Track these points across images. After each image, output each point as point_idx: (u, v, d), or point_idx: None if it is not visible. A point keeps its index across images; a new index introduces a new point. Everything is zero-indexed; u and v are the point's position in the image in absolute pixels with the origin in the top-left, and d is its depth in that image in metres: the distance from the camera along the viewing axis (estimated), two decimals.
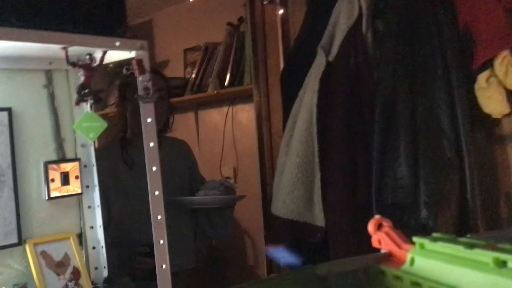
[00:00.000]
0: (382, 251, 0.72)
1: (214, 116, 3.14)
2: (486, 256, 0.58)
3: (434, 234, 0.67)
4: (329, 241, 1.78)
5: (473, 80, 1.60)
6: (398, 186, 1.62)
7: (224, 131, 3.02)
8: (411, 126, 1.62)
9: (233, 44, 2.75)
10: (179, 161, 2.19)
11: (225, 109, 3.05)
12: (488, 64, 1.55)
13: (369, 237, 1.82)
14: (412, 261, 0.68)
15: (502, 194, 1.63)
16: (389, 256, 0.72)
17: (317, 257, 1.95)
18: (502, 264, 0.56)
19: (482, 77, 1.55)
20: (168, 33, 3.31)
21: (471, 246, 0.61)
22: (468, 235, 0.77)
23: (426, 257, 0.66)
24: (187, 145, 2.32)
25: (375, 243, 0.73)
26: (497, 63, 1.52)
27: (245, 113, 2.96)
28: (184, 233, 2.13)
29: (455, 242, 0.65)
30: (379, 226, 0.74)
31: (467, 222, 1.56)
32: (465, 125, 1.57)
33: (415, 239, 0.67)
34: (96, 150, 2.08)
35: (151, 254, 1.38)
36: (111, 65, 3.18)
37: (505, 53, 1.51)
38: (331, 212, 1.77)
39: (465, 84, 1.59)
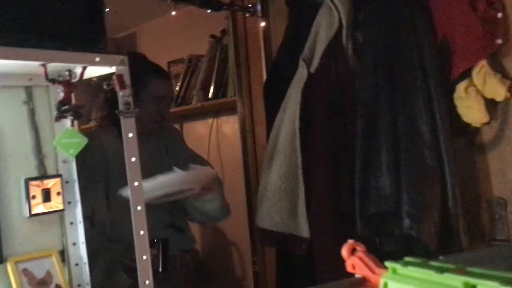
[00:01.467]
0: (357, 275, 0.73)
1: (199, 128, 3.14)
2: (456, 280, 0.59)
3: (406, 258, 0.69)
4: (313, 252, 1.78)
5: (452, 90, 1.62)
6: (381, 196, 1.63)
7: (209, 143, 3.02)
8: (392, 136, 1.63)
9: (216, 56, 2.76)
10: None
11: (209, 121, 3.05)
12: (466, 74, 1.58)
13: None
14: (385, 286, 0.69)
15: (483, 202, 1.65)
16: (363, 281, 0.73)
17: (303, 268, 1.95)
18: None
19: (460, 87, 1.58)
20: (152, 46, 3.31)
21: (441, 270, 0.63)
22: (441, 257, 0.79)
23: (399, 281, 0.67)
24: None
25: (349, 268, 0.74)
26: (475, 72, 1.54)
27: (230, 125, 2.96)
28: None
29: (426, 266, 0.66)
30: (352, 251, 0.74)
31: (449, 230, 1.58)
32: (445, 134, 1.59)
33: (387, 263, 0.69)
34: (92, 133, 2.03)
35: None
36: (94, 79, 3.18)
37: (483, 62, 1.53)
38: (315, 223, 1.78)
39: (445, 94, 1.62)
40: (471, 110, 1.57)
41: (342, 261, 1.87)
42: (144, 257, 1.19)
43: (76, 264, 1.44)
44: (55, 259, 1.39)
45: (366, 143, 1.68)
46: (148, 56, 2.05)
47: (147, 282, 1.18)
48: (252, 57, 2.40)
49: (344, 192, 1.75)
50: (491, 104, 1.59)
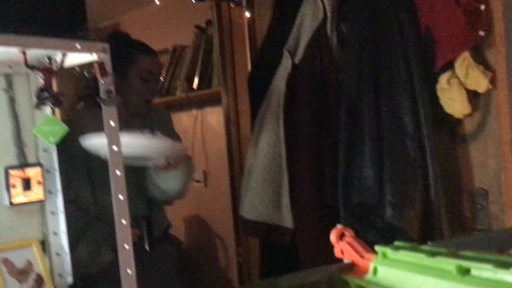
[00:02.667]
0: (345, 261, 0.72)
1: (184, 120, 3.13)
2: (449, 264, 0.57)
3: (396, 243, 0.67)
4: (297, 242, 1.79)
5: (435, 81, 1.63)
6: (364, 187, 1.64)
7: (194, 135, 3.01)
8: (375, 127, 1.64)
9: (201, 47, 2.74)
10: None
11: (194, 112, 3.04)
12: (449, 65, 1.58)
13: None
14: (375, 271, 0.67)
15: (464, 193, 1.67)
16: (352, 266, 0.71)
17: (287, 259, 1.95)
18: (466, 272, 0.56)
19: (443, 78, 1.59)
20: (136, 36, 3.27)
21: (433, 254, 0.61)
22: (429, 243, 0.77)
23: (389, 266, 0.65)
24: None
25: (337, 253, 0.73)
26: (457, 64, 1.55)
27: (214, 116, 2.95)
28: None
29: (417, 250, 0.64)
30: (341, 236, 0.73)
31: (431, 220, 1.59)
32: (428, 126, 1.60)
33: (377, 248, 0.67)
34: (79, 114, 1.97)
35: (132, 226, 1.37)
36: (77, 68, 3.14)
37: (465, 54, 1.54)
38: (299, 213, 1.78)
39: (428, 85, 1.62)
40: (453, 102, 1.58)
41: (325, 251, 1.87)
42: (123, 222, 1.18)
43: (57, 254, 1.42)
44: (35, 249, 1.38)
45: (350, 134, 1.68)
46: None
47: (126, 246, 1.17)
48: (237, 48, 2.39)
49: (328, 182, 1.75)
50: (473, 96, 1.60)
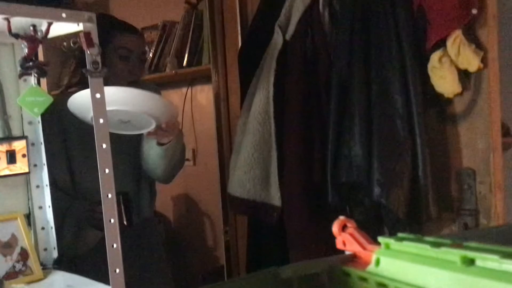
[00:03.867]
0: (347, 252, 0.71)
1: (173, 97, 3.10)
2: (454, 254, 0.56)
3: (400, 234, 0.66)
4: (284, 220, 1.79)
5: (426, 60, 1.62)
6: (353, 165, 1.64)
7: (183, 113, 2.99)
8: (365, 106, 1.63)
9: (191, 23, 2.70)
10: None
11: (184, 90, 3.01)
12: (441, 43, 1.57)
13: (324, 217, 1.83)
14: (377, 262, 0.66)
15: (453, 173, 1.67)
16: (353, 257, 0.70)
17: (274, 238, 1.96)
18: (470, 262, 0.55)
19: (435, 57, 1.58)
20: (125, 11, 3.23)
21: (437, 245, 0.59)
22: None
23: (392, 257, 0.64)
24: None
25: (339, 245, 0.71)
26: (449, 42, 1.54)
27: (204, 94, 2.93)
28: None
29: (421, 241, 0.63)
30: (343, 227, 0.72)
31: (418, 200, 1.60)
32: (418, 105, 1.59)
33: (380, 239, 0.66)
34: (56, 98, 1.98)
35: None
36: (65, 44, 3.09)
37: (457, 32, 1.53)
38: (287, 191, 1.78)
39: (419, 64, 1.61)
40: (444, 81, 1.58)
41: (312, 230, 1.88)
42: (112, 221, 1.17)
43: (43, 228, 1.41)
44: (20, 222, 1.36)
45: (340, 112, 1.67)
46: None
47: (112, 220, 1.16)
48: (228, 24, 2.35)
49: (317, 161, 1.75)
50: (464, 75, 1.60)
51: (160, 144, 1.73)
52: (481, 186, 1.62)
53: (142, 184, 1.94)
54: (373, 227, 1.75)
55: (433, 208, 1.61)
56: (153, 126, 1.57)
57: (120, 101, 1.44)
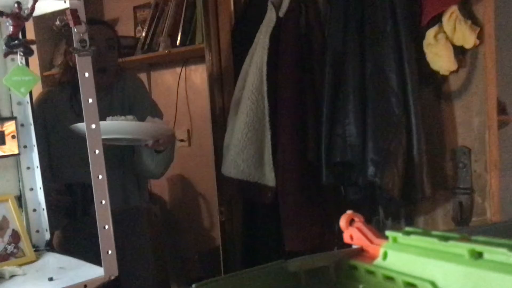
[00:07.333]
0: (354, 246, 0.71)
1: (167, 77, 3.06)
2: (461, 248, 0.56)
3: (407, 228, 0.66)
4: (279, 200, 1.78)
5: (422, 37, 1.59)
6: (347, 144, 1.62)
7: (177, 93, 2.96)
8: (360, 84, 1.61)
9: (184, 1, 2.65)
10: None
11: (178, 69, 2.97)
12: (436, 20, 1.54)
13: (318, 196, 1.81)
14: (385, 255, 0.66)
15: (448, 151, 1.65)
16: (361, 251, 0.70)
17: (269, 218, 1.95)
18: (478, 255, 0.54)
19: (430, 33, 1.55)
20: None
21: (445, 238, 0.59)
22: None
23: (399, 250, 0.64)
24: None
25: (346, 239, 0.71)
26: (445, 19, 1.52)
27: (198, 74, 2.89)
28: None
29: (429, 235, 0.63)
30: (350, 222, 0.72)
31: (413, 179, 1.58)
32: (413, 83, 1.57)
33: (388, 233, 0.66)
34: (41, 94, 2.00)
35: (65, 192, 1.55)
36: (57, 23, 3.04)
37: (453, 8, 1.50)
38: (281, 171, 1.76)
39: (414, 41, 1.59)
40: (439, 58, 1.55)
41: (306, 209, 1.87)
42: (100, 177, 1.15)
43: (34, 210, 1.40)
44: (11, 204, 1.35)
45: (334, 90, 1.65)
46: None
47: (103, 202, 1.15)
48: (221, 2, 2.31)
49: (311, 140, 1.73)
50: (459, 52, 1.57)
51: (155, 151, 1.83)
52: (476, 164, 1.61)
53: (128, 176, 1.99)
54: (367, 207, 1.74)
55: (427, 187, 1.60)
56: (149, 143, 1.72)
57: (121, 132, 1.60)
